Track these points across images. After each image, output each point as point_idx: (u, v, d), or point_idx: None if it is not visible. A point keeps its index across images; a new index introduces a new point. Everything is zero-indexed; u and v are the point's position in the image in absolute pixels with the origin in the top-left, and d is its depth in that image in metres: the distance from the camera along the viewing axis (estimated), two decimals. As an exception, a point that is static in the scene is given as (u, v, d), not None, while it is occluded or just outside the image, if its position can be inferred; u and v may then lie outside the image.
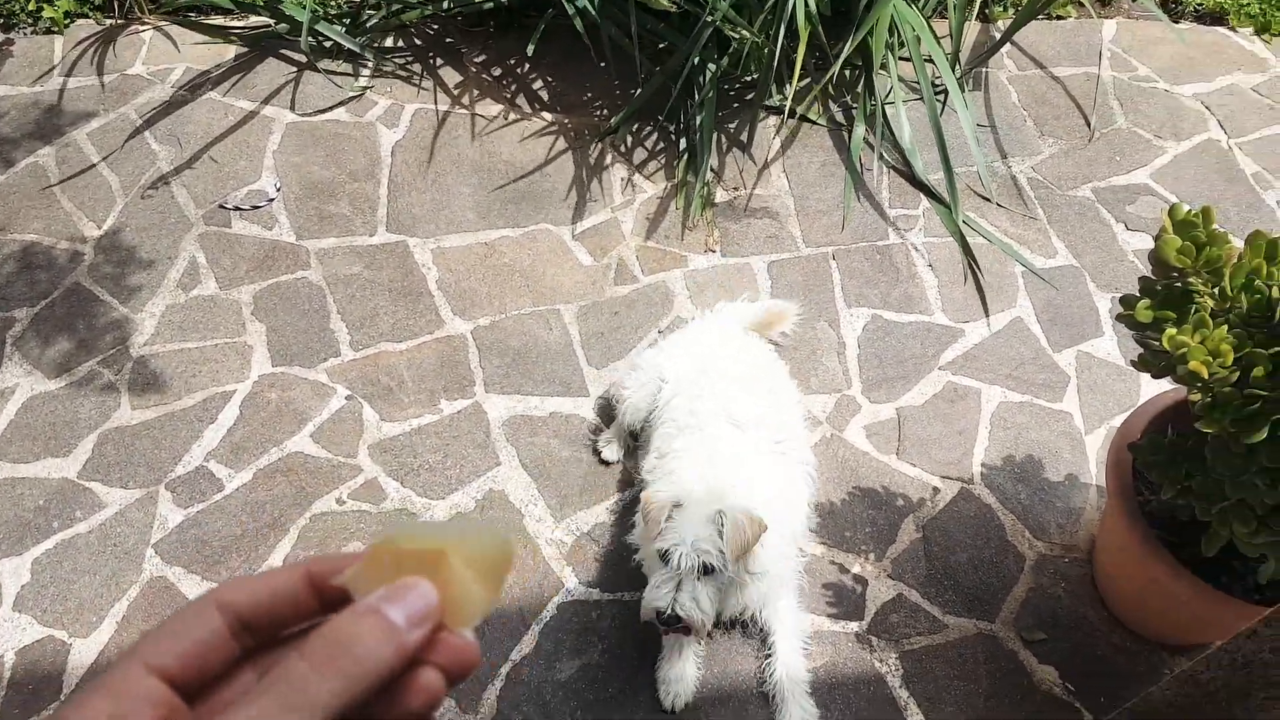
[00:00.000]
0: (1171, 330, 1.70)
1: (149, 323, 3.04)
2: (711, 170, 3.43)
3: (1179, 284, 1.79)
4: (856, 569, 2.56)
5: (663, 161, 3.51)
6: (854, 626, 2.46)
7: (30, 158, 3.49)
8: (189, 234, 3.27)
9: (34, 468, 2.72)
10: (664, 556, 2.01)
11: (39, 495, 2.66)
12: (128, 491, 2.68)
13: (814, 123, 3.62)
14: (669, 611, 1.99)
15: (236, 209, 3.33)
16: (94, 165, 3.47)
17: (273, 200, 3.35)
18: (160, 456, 2.74)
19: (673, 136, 3.57)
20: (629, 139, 3.58)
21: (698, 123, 3.40)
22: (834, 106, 3.69)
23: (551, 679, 2.36)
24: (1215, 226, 1.79)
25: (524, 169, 3.48)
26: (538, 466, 2.75)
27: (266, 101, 3.67)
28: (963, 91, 3.38)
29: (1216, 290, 1.78)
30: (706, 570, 2.00)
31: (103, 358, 2.95)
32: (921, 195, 3.40)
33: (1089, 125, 3.65)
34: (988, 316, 3.09)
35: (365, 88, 3.70)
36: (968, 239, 3.22)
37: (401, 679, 0.48)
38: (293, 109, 3.65)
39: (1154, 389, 2.32)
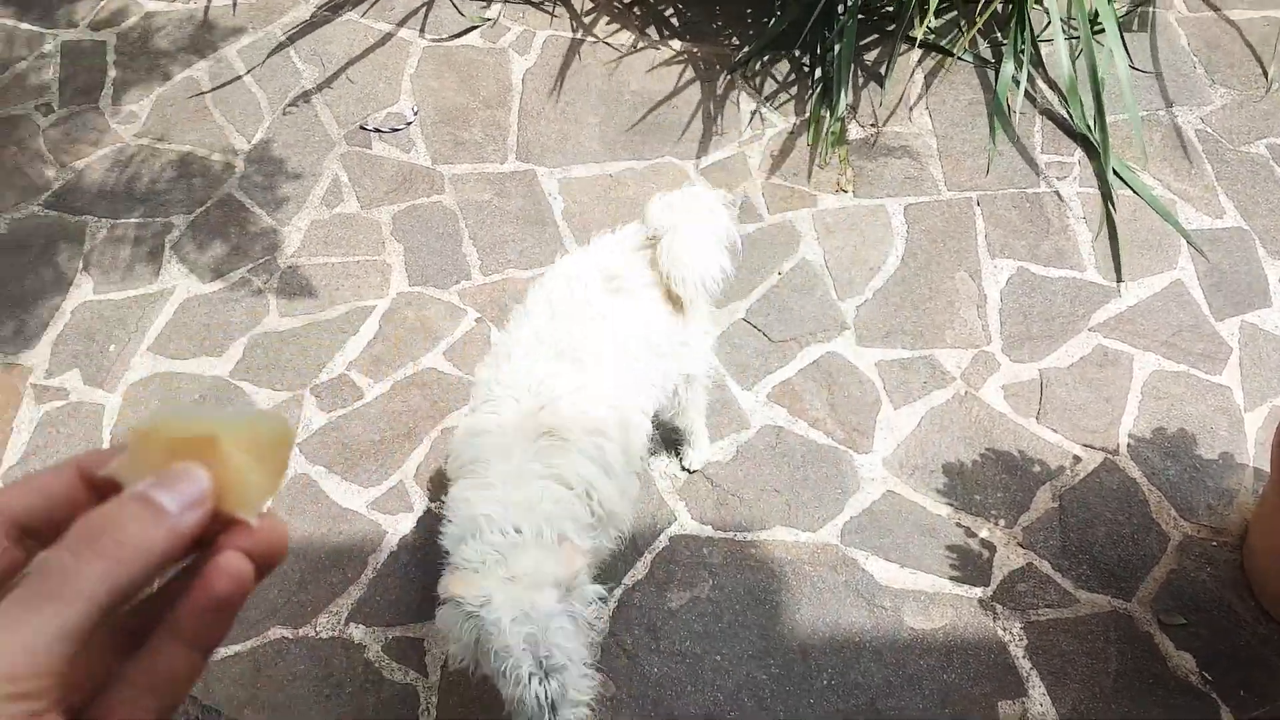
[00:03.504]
0: None
1: (295, 235, 2.99)
2: (847, 105, 3.13)
3: None
4: (984, 533, 2.36)
5: (794, 94, 3.23)
6: (977, 591, 2.28)
7: (186, 71, 3.43)
8: (331, 152, 3.18)
9: (190, 364, 2.72)
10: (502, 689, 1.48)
11: (195, 390, 2.67)
12: (276, 393, 2.67)
13: (959, 58, 3.26)
14: None
15: (376, 130, 3.22)
16: (239, 78, 3.38)
17: (410, 124, 3.23)
18: (305, 362, 2.72)
19: (806, 68, 3.27)
20: (759, 70, 3.29)
21: (834, 54, 3.09)
22: (983, 42, 3.31)
23: (662, 606, 2.30)
24: None
25: (651, 100, 3.24)
26: (659, 403, 2.60)
27: (403, 24, 3.51)
28: (1123, 31, 2.97)
29: None
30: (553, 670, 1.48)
31: (253, 265, 2.92)
32: (1077, 143, 3.04)
33: (1266, 75, 3.19)
34: (1119, 280, 2.76)
35: (487, 19, 3.49)
36: (1124, 193, 2.87)
37: (204, 564, 0.45)
38: (422, 34, 3.47)
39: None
